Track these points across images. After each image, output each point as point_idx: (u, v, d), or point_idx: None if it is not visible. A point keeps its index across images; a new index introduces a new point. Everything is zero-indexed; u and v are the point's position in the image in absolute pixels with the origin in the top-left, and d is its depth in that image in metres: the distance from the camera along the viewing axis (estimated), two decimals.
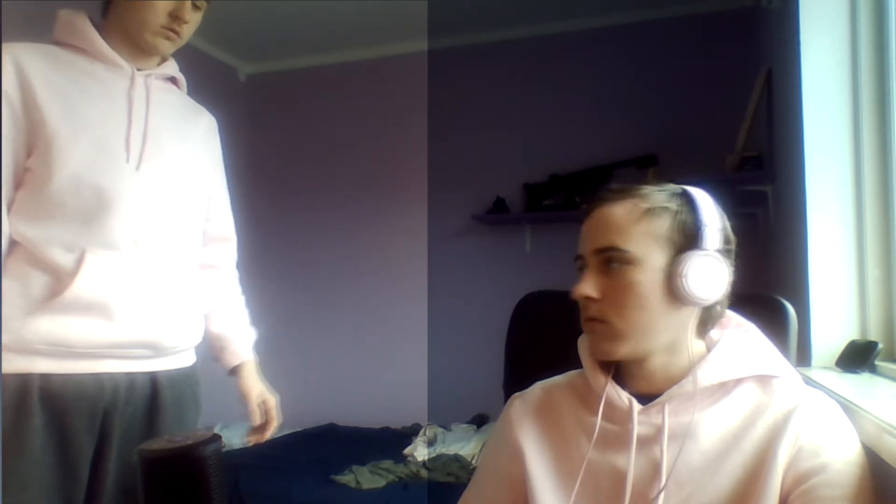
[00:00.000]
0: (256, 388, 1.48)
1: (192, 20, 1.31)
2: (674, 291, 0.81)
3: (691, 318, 0.84)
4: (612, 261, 0.83)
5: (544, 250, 3.37)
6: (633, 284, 0.82)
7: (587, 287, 0.84)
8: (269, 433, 1.49)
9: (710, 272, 0.81)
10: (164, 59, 1.38)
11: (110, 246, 1.21)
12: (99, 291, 1.19)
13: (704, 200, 0.85)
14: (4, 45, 1.17)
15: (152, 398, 1.30)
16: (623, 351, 0.85)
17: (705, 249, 0.81)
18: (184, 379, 1.37)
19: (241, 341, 1.51)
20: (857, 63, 1.47)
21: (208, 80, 3.39)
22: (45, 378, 1.17)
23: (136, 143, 1.26)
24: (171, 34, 1.28)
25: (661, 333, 0.83)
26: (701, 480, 0.80)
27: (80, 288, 1.17)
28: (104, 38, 1.28)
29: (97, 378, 1.22)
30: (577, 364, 0.93)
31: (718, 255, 0.81)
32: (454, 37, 3.59)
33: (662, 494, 0.80)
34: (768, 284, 2.41)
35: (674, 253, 0.82)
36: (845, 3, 1.49)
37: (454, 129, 3.64)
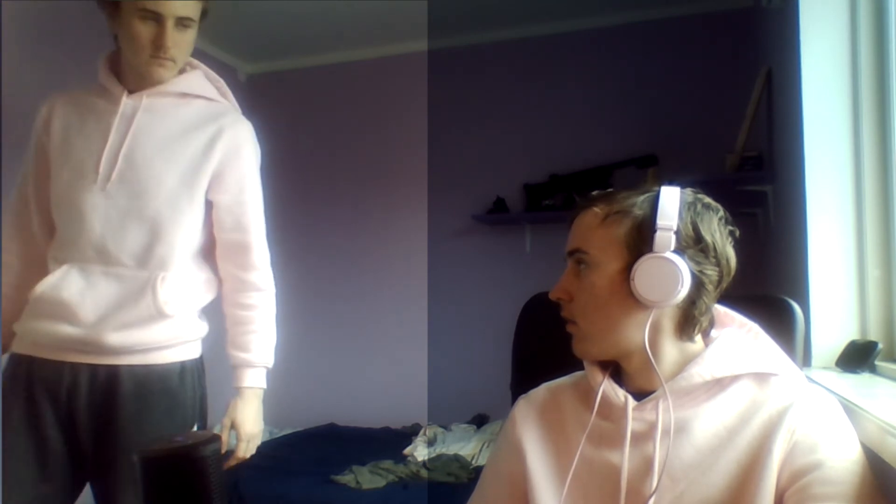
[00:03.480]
0: (239, 415, 1.43)
1: (182, 41, 1.35)
2: (632, 294, 0.82)
3: (663, 318, 0.85)
4: (580, 263, 0.87)
5: (544, 250, 3.37)
6: (592, 287, 0.85)
7: (557, 289, 0.89)
8: (233, 461, 1.44)
9: (660, 274, 0.81)
10: (181, 72, 1.44)
11: (80, 258, 1.36)
12: (63, 296, 1.34)
13: (667, 201, 0.83)
14: (51, 96, 1.44)
15: (109, 391, 1.34)
16: (595, 351, 0.88)
17: (654, 252, 0.81)
18: (152, 375, 1.37)
19: (250, 367, 1.47)
20: (857, 63, 1.47)
21: None
22: (15, 356, 1.38)
23: (107, 164, 1.37)
24: (161, 61, 1.34)
25: (629, 334, 0.85)
26: (694, 476, 0.80)
27: (42, 291, 1.35)
28: (116, 69, 1.41)
29: (58, 364, 1.35)
30: (583, 364, 0.93)
31: (673, 257, 0.81)
32: (454, 37, 3.59)
33: (656, 491, 0.80)
34: (768, 284, 2.41)
35: (633, 256, 0.83)
36: (845, 3, 1.49)
37: (454, 129, 3.63)
